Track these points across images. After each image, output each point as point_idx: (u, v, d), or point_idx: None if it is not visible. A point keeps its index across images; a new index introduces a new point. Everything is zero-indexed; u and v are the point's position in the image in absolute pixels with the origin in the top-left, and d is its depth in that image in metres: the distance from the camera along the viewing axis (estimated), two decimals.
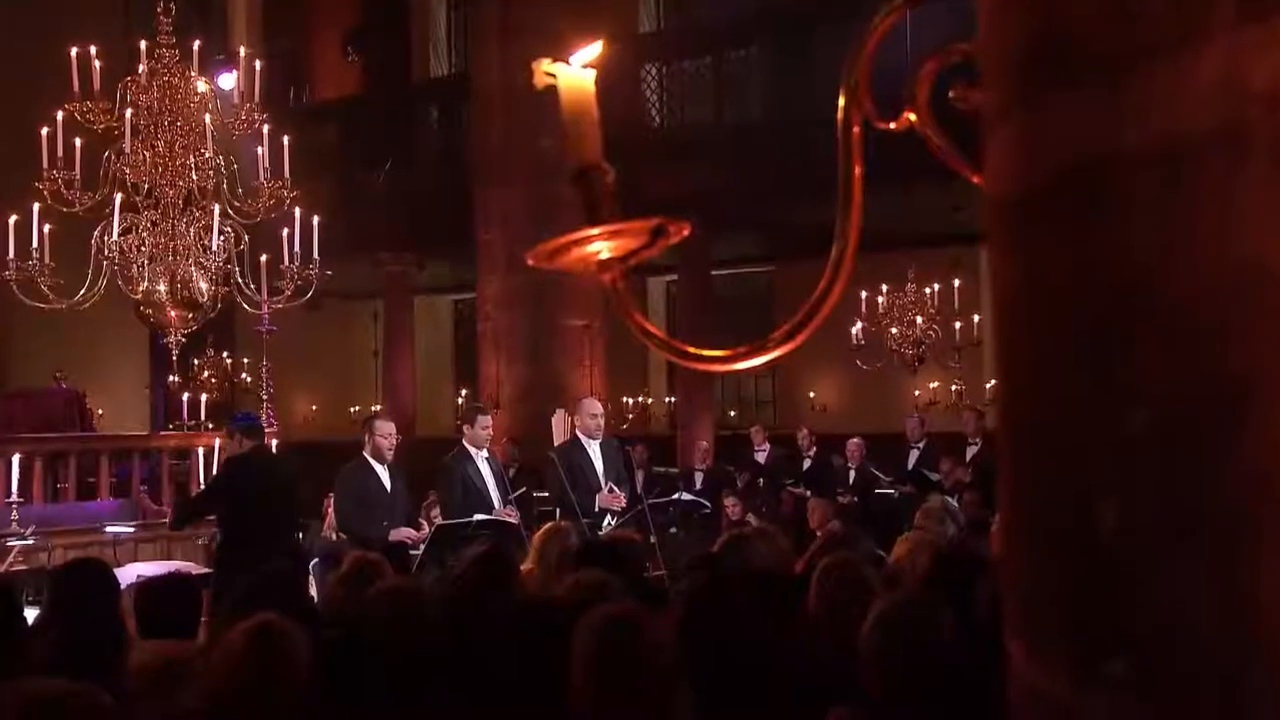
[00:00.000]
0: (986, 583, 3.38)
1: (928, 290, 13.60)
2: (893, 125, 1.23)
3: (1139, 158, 0.71)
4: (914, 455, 11.81)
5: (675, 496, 8.84)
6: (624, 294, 1.32)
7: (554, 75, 1.33)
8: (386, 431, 7.47)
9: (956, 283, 13.35)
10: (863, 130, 1.24)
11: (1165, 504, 0.70)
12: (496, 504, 7.63)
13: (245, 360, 16.49)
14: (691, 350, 1.32)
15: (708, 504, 9.56)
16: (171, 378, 13.93)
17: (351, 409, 19.82)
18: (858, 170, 1.26)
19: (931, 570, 4.07)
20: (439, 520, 7.68)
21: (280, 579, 4.29)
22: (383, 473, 7.39)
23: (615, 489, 7.96)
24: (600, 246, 1.29)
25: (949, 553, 4.28)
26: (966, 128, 1.12)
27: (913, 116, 1.22)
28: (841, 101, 1.24)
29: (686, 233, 1.32)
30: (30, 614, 4.98)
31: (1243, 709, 0.66)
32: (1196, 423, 0.69)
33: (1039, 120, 0.80)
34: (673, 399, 18.21)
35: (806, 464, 12.87)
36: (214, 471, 8.53)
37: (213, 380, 16.11)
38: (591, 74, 1.34)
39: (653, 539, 7.66)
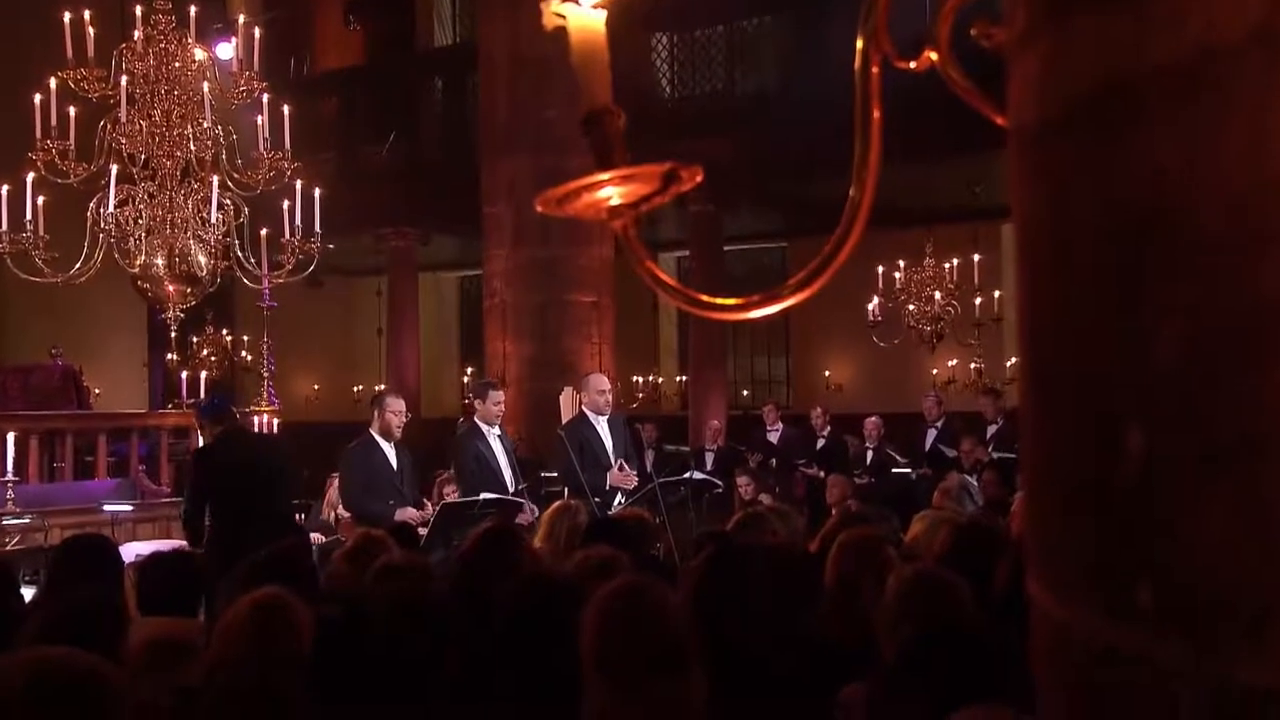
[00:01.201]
0: (1007, 557, 3.39)
1: (946, 265, 13.56)
2: (913, 64, 1.23)
3: (1169, 73, 0.70)
4: (931, 435, 11.81)
5: (686, 475, 8.83)
6: (635, 241, 1.32)
7: (563, 16, 1.33)
8: (397, 408, 7.48)
9: (976, 257, 13.32)
10: (881, 70, 1.23)
11: (1193, 432, 0.70)
12: (509, 482, 7.64)
13: (245, 338, 16.51)
14: (704, 298, 1.31)
15: (720, 483, 9.56)
16: (170, 356, 13.92)
17: (355, 389, 19.86)
18: (876, 113, 1.25)
19: (950, 546, 4.07)
20: (451, 498, 7.70)
21: (287, 556, 4.31)
22: (389, 451, 7.41)
23: (626, 466, 7.96)
24: (611, 192, 1.29)
25: (968, 528, 4.27)
26: (989, 67, 1.11)
27: (934, 55, 1.22)
28: (860, 43, 1.23)
29: (699, 179, 1.32)
30: (28, 594, 5.02)
31: (1273, 639, 0.66)
32: (1225, 348, 0.68)
33: (1065, 43, 0.80)
34: (684, 378, 18.23)
35: (820, 443, 12.87)
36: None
37: (212, 359, 16.12)
38: (602, 15, 1.34)
39: (662, 518, 7.65)
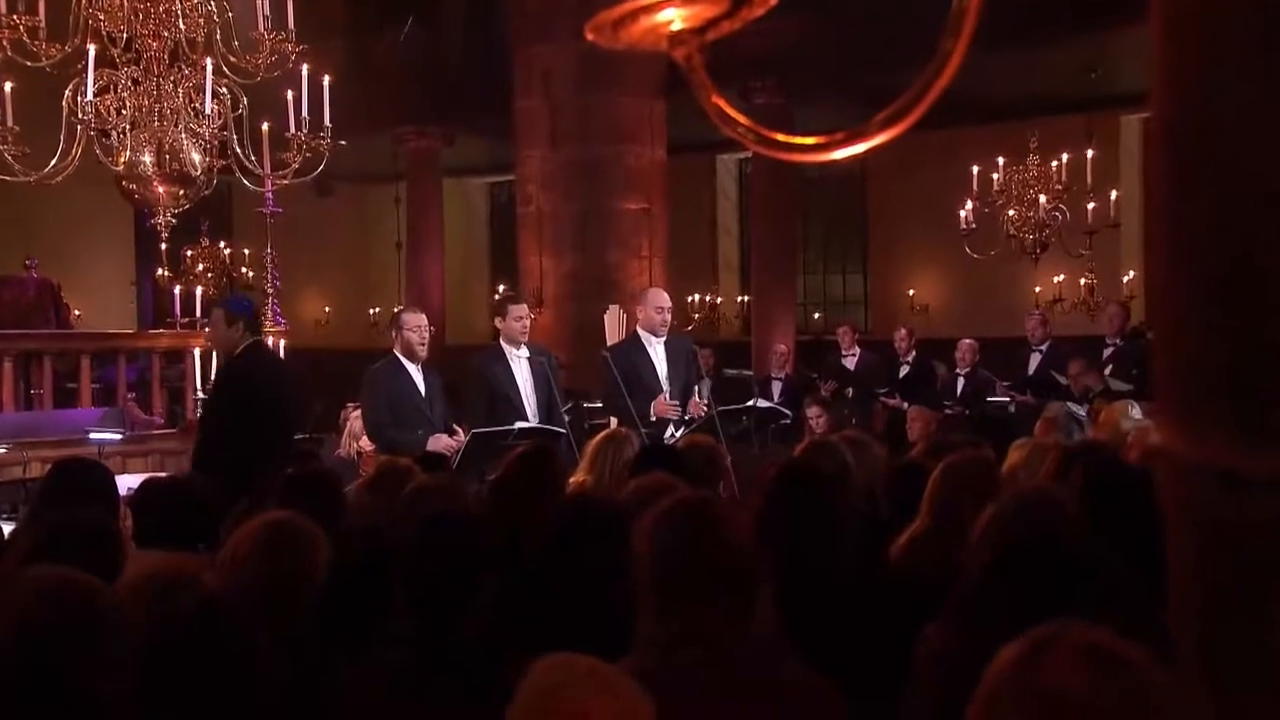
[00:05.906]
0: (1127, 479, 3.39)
1: (1054, 163, 13.33)
2: None
3: None
4: (1035, 360, 11.69)
5: (750, 403, 8.83)
6: (700, 72, 1.33)
7: None
8: (415, 324, 7.44)
9: (1090, 154, 13.05)
10: None
11: None
12: (531, 415, 7.54)
13: (246, 251, 16.62)
14: (780, 138, 1.33)
15: (788, 413, 9.57)
16: (161, 271, 14.03)
17: (371, 311, 19.97)
18: None
19: (1058, 473, 4.07)
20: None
21: (309, 481, 4.39)
22: (415, 373, 7.38)
23: (692, 394, 7.86)
24: (672, 15, 1.30)
25: (1079, 452, 4.27)
26: None
27: None
28: None
29: (774, 2, 1.33)
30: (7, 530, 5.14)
31: None
32: None
33: None
34: (746, 298, 18.21)
35: (904, 370, 12.80)
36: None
37: (208, 274, 16.24)
38: None
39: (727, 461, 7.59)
